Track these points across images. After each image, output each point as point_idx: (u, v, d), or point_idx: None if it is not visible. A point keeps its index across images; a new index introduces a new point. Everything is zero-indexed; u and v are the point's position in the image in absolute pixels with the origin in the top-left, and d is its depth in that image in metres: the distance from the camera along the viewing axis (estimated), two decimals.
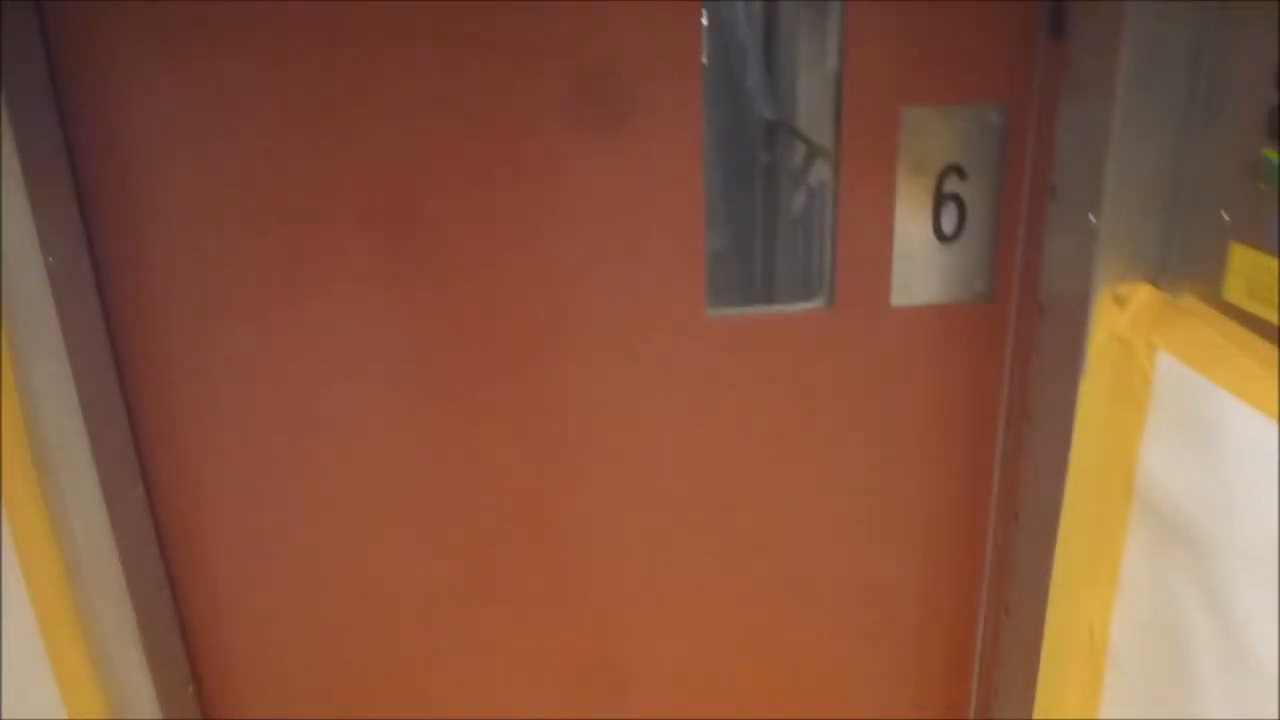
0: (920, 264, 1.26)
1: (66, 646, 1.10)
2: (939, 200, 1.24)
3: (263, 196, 1.12)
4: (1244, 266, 0.90)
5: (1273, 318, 0.88)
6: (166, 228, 1.12)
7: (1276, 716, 0.91)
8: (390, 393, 1.23)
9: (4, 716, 1.00)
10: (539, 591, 1.36)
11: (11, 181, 0.99)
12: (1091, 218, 1.01)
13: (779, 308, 1.29)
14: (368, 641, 1.36)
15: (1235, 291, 0.92)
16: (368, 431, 1.24)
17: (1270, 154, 0.85)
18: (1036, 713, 1.27)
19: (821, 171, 1.35)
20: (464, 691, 1.40)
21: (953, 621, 1.44)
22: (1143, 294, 1.02)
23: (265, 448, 1.23)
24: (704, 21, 1.16)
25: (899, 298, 1.27)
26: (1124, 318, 1.04)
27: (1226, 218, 0.92)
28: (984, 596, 1.41)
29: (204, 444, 1.22)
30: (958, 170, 1.22)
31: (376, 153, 1.12)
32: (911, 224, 1.24)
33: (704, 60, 1.33)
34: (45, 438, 1.06)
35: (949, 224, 1.25)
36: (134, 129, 1.08)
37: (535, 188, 1.17)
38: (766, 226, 1.55)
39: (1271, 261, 0.87)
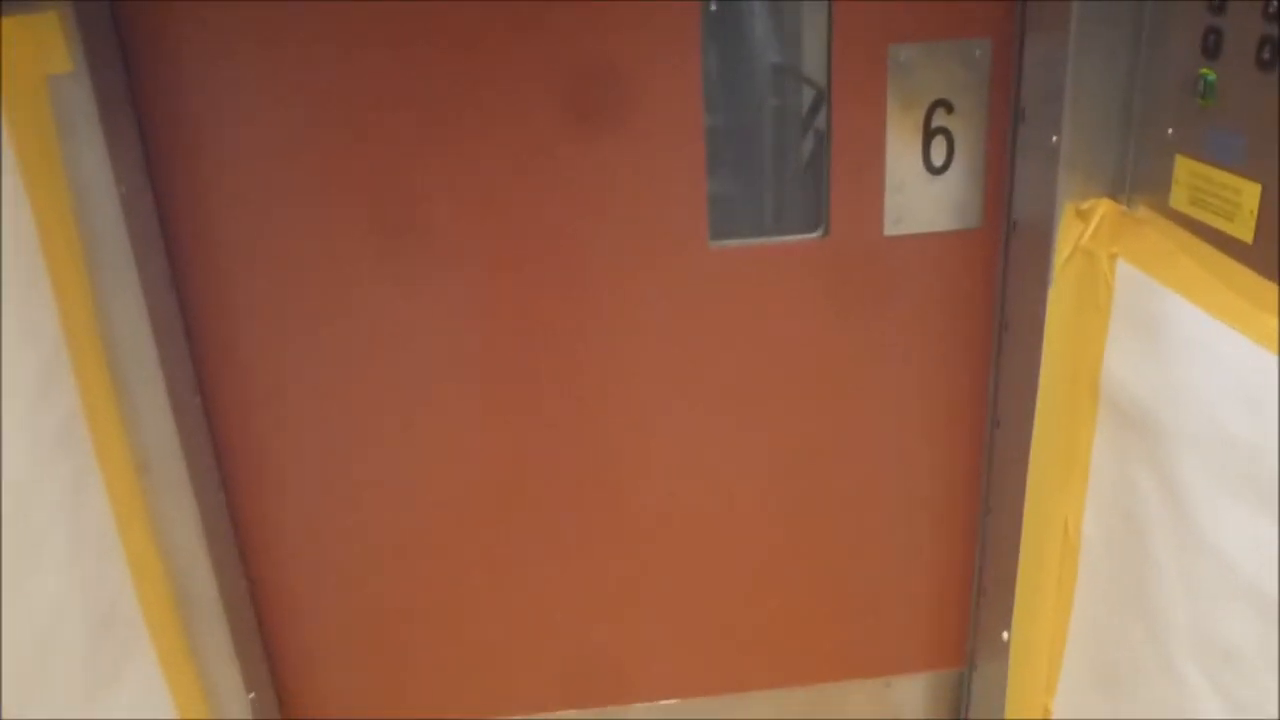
0: (911, 196, 1.35)
1: (138, 536, 1.23)
2: (928, 134, 1.32)
3: (303, 131, 1.24)
4: (1186, 176, 1.00)
5: (1211, 221, 0.97)
6: (218, 160, 1.25)
7: (1226, 591, 1.00)
8: (434, 306, 1.35)
9: (83, 595, 1.13)
10: (564, 495, 1.48)
11: (90, 120, 1.12)
12: (1054, 138, 1.11)
13: (776, 238, 1.39)
14: (410, 539, 1.48)
15: (1179, 200, 1.01)
16: (414, 344, 1.36)
17: (1205, 72, 0.95)
18: (1017, 607, 1.37)
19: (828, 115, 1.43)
20: (492, 577, 1.53)
21: (951, 526, 1.53)
22: (1103, 208, 1.12)
23: (310, 355, 1.36)
24: None
25: (891, 228, 1.36)
26: (1087, 230, 1.13)
27: (1171, 132, 1.01)
28: (983, 500, 1.50)
29: (254, 356, 1.35)
30: (945, 105, 1.31)
31: (417, 96, 1.24)
32: (902, 157, 1.33)
33: (713, 7, 1.42)
34: (119, 349, 1.19)
35: (938, 157, 1.33)
36: (187, 75, 1.21)
37: (561, 142, 1.28)
38: (776, 169, 1.64)
39: (1209, 170, 0.96)
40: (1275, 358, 0.87)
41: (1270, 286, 0.89)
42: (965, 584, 1.57)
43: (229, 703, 1.38)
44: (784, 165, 1.66)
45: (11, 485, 1.00)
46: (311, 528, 1.45)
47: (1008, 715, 1.46)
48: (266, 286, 1.31)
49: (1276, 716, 0.94)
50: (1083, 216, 1.13)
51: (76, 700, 1.08)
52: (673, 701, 1.63)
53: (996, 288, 1.38)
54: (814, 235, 1.37)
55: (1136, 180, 1.08)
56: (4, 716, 0.95)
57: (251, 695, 1.41)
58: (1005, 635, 1.40)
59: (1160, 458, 1.08)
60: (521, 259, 1.34)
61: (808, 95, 1.56)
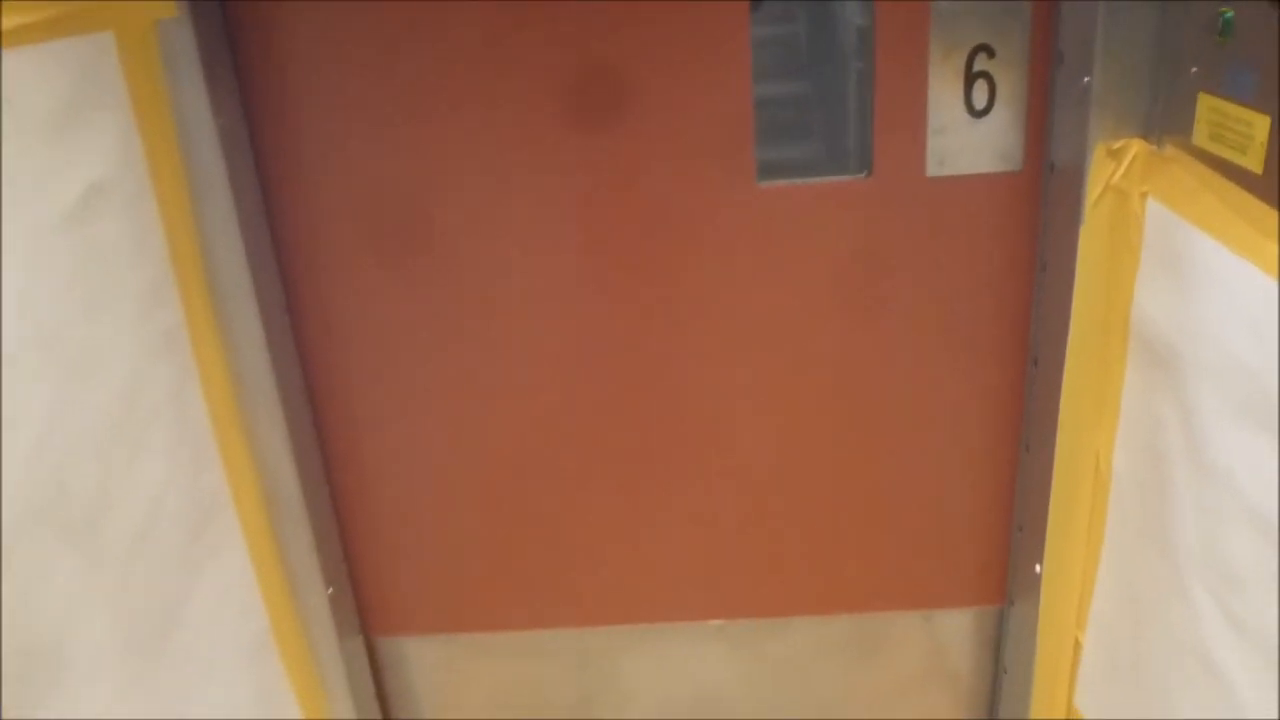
0: (953, 138, 1.38)
1: (232, 440, 1.37)
2: (969, 78, 1.36)
3: (388, 69, 1.35)
4: (1207, 113, 1.03)
5: (1227, 155, 1.00)
6: (309, 96, 1.36)
7: (1232, 515, 1.04)
8: (507, 238, 1.45)
9: (182, 485, 1.27)
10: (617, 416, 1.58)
11: (192, 61, 1.24)
12: (1086, 80, 1.14)
13: (821, 178, 1.45)
14: (483, 451, 1.59)
15: (1201, 136, 1.04)
16: (488, 270, 1.46)
17: (1224, 10, 0.98)
18: (1049, 542, 1.42)
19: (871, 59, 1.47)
20: (554, 497, 1.63)
21: (995, 463, 1.57)
22: (1134, 147, 1.15)
23: (391, 275, 1.46)
24: None
25: (933, 169, 1.40)
26: (1118, 170, 1.17)
27: (1195, 71, 1.04)
28: (1024, 437, 1.53)
29: (339, 275, 1.47)
30: (987, 49, 1.34)
31: (499, 49, 1.34)
32: (944, 101, 1.37)
33: None
34: (217, 268, 1.32)
35: (980, 100, 1.37)
36: (279, 19, 1.32)
37: (620, 86, 1.37)
38: (822, 112, 1.70)
39: (1225, 105, 0.99)
40: (1278, 284, 0.91)
41: (1276, 216, 0.93)
42: (1007, 521, 1.62)
43: (309, 595, 1.52)
44: (830, 109, 1.71)
45: (123, 381, 1.14)
46: (390, 437, 1.58)
47: (1040, 649, 1.51)
48: (351, 211, 1.43)
49: (1277, 638, 0.97)
50: (1114, 156, 1.17)
51: (173, 577, 1.23)
52: (719, 621, 1.72)
53: (1039, 229, 1.42)
54: (858, 176, 1.42)
55: (1166, 120, 1.11)
56: (109, 581, 1.10)
57: (330, 590, 1.55)
58: (1038, 569, 1.45)
59: (1180, 390, 1.11)
60: (584, 197, 1.43)
61: (852, 40, 1.60)
